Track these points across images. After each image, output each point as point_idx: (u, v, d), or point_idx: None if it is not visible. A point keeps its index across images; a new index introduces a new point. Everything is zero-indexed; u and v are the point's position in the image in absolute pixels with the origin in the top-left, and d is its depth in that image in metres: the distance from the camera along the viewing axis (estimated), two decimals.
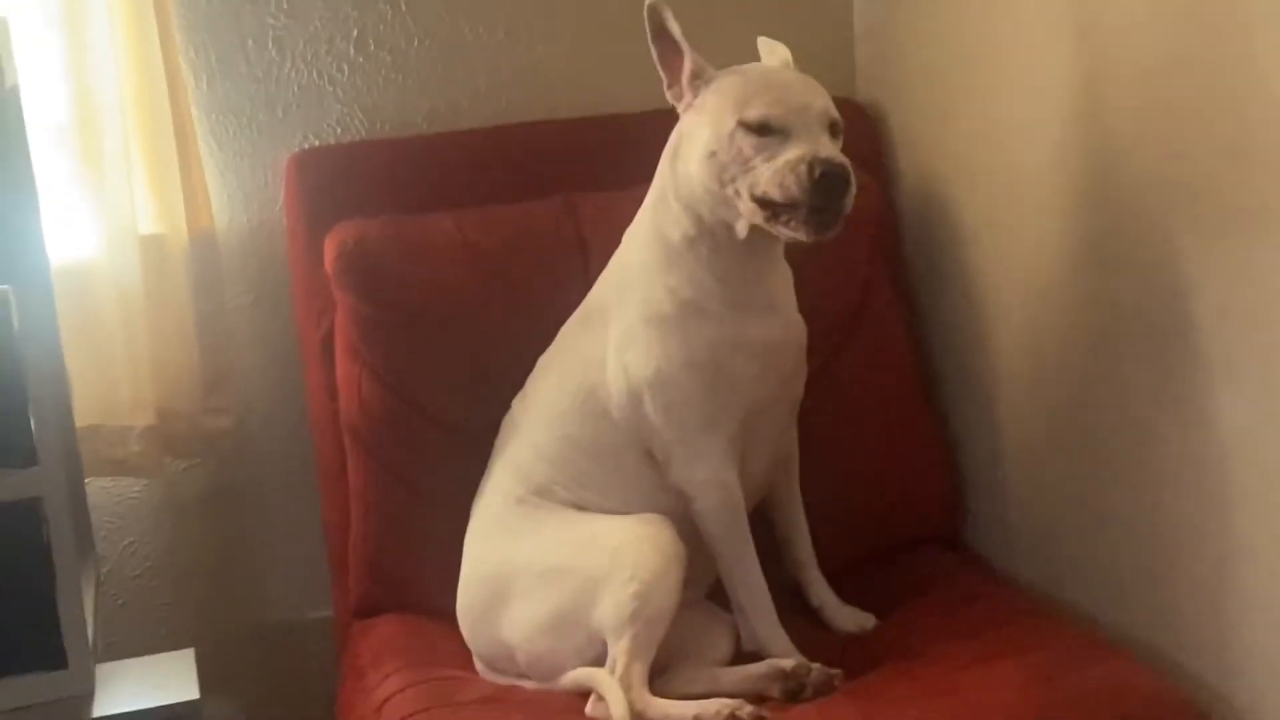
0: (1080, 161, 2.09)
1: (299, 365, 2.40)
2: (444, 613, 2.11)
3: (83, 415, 2.25)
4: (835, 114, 1.93)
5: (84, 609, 1.92)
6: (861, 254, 2.37)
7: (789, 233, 1.90)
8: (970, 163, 2.36)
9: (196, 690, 2.02)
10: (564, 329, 2.14)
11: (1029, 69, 2.19)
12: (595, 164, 2.37)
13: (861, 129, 2.54)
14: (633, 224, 2.09)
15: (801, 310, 2.10)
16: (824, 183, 1.84)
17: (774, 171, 1.86)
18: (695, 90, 1.98)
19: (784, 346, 2.05)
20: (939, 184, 2.45)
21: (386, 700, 1.95)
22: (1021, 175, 2.23)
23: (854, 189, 1.87)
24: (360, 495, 2.23)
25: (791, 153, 1.86)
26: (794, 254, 2.08)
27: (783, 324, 2.06)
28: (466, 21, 2.49)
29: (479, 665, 2.07)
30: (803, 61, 2.04)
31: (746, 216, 1.92)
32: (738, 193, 1.90)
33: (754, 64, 2.01)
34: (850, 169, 1.86)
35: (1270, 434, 1.80)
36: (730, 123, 1.90)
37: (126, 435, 2.31)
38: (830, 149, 1.88)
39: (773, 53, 2.07)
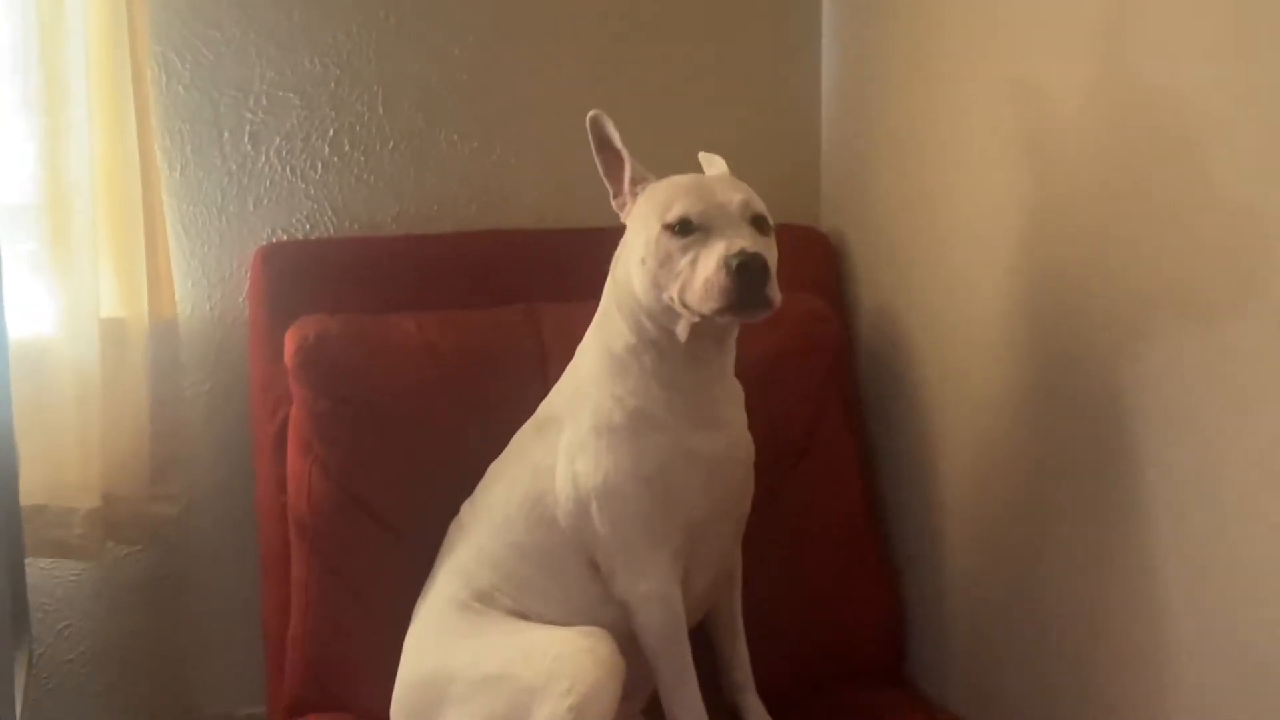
0: (1030, 303, 2.13)
1: (249, 457, 2.39)
2: (379, 715, 2.08)
3: (27, 494, 2.23)
4: (759, 208, 1.96)
5: (14, 690, 1.89)
6: (816, 381, 2.39)
7: (725, 321, 1.94)
8: (926, 296, 2.40)
9: None
10: (517, 436, 2.14)
11: (985, 209, 2.23)
12: (559, 275, 2.39)
13: (823, 257, 2.60)
14: (585, 335, 2.11)
15: (753, 432, 2.11)
16: (742, 275, 1.86)
17: (700, 284, 1.88)
18: (635, 197, 2.02)
19: (731, 461, 2.06)
20: (895, 315, 2.48)
21: None
22: (974, 311, 2.26)
23: (773, 278, 1.89)
24: (301, 591, 2.21)
25: (713, 251, 1.88)
26: (747, 377, 2.10)
27: (730, 439, 2.07)
28: (441, 128, 2.53)
29: None
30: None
31: (685, 319, 1.94)
32: (671, 299, 1.93)
33: (689, 174, 2.03)
34: (767, 259, 1.88)
35: (1214, 581, 1.82)
36: (656, 227, 1.94)
37: (70, 517, 2.29)
38: (753, 242, 1.90)
39: (711, 164, 2.12)
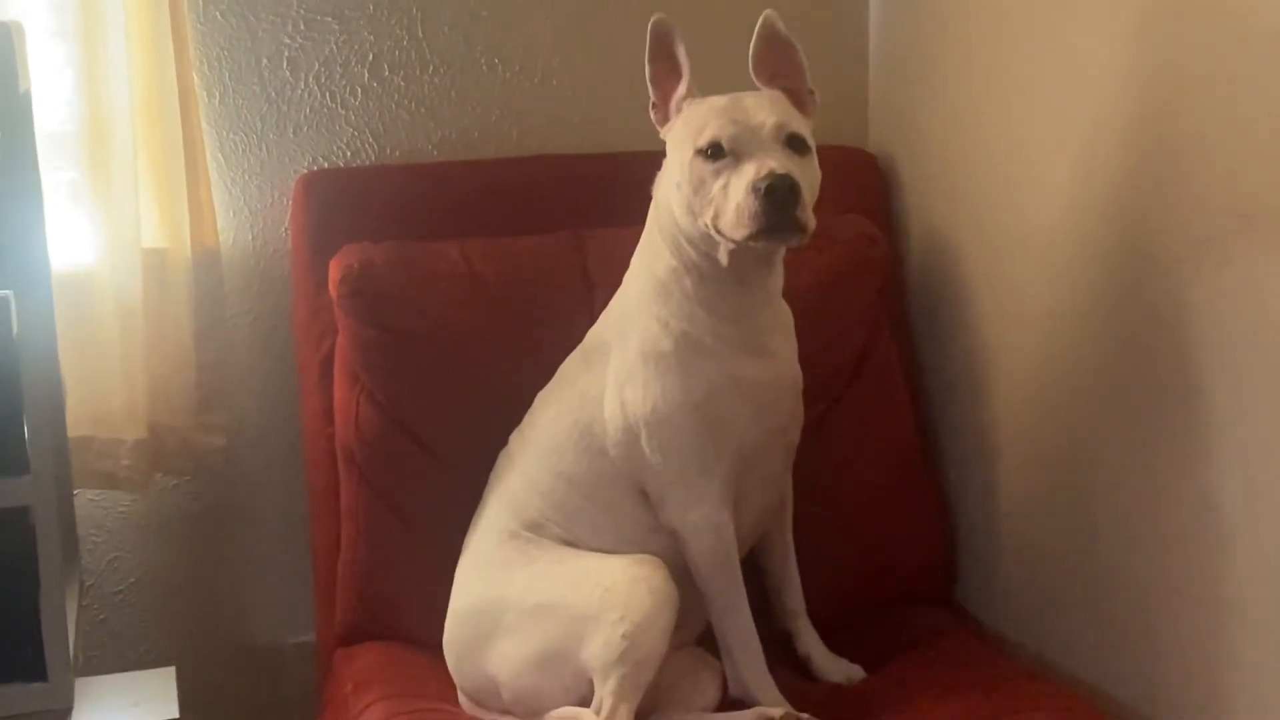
0: (1089, 219, 2.09)
1: (295, 387, 2.39)
2: (430, 643, 2.09)
3: (74, 426, 2.23)
4: (795, 128, 1.91)
5: (66, 622, 1.90)
6: (866, 304, 2.37)
7: (759, 247, 1.90)
8: (978, 216, 2.36)
9: (176, 709, 2.00)
10: (564, 365, 2.13)
11: (1039, 125, 2.19)
12: (605, 200, 2.36)
13: (871, 179, 2.57)
14: (631, 261, 2.09)
15: (803, 358, 2.09)
16: (771, 198, 1.82)
17: (732, 210, 1.85)
18: (679, 113, 1.98)
19: (779, 389, 2.04)
20: (946, 236, 2.45)
21: None
22: (1029, 231, 2.23)
23: (804, 200, 1.85)
24: (351, 520, 2.21)
25: (744, 175, 1.85)
26: (795, 301, 2.08)
27: (779, 367, 2.05)
28: (482, 52, 2.50)
29: (463, 699, 2.05)
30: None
31: (723, 245, 1.91)
32: (706, 225, 1.90)
33: (729, 93, 1.97)
34: (796, 179, 1.84)
35: (1270, 503, 1.79)
36: (689, 152, 1.91)
37: (117, 448, 2.29)
38: (785, 163, 1.86)
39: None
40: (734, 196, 1.86)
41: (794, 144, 1.91)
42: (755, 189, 1.83)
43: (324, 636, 2.29)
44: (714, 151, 1.89)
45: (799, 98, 1.98)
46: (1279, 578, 1.78)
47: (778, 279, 2.03)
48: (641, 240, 2.06)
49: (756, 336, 2.01)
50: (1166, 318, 1.93)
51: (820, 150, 1.96)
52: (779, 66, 1.98)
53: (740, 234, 1.86)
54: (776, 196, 1.83)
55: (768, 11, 1.97)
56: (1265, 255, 1.77)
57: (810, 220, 1.87)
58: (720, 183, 1.88)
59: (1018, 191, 2.25)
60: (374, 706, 1.98)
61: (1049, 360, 2.20)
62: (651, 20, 1.96)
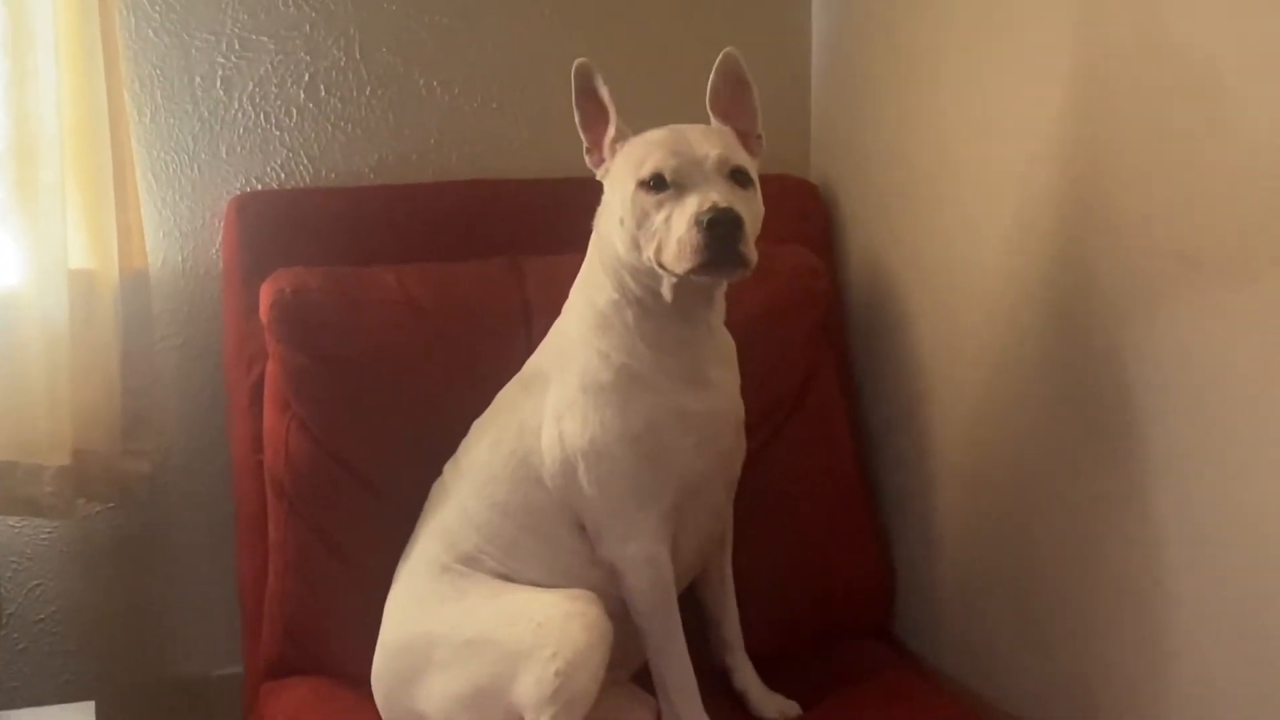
0: (1028, 255, 2.08)
1: (224, 414, 2.35)
2: (359, 679, 2.05)
3: None
4: (738, 160, 1.89)
5: None
6: (806, 336, 2.35)
7: (701, 281, 1.88)
8: (919, 248, 2.35)
9: None
10: (501, 394, 2.10)
11: (979, 158, 2.19)
12: (544, 227, 2.34)
13: (813, 209, 2.56)
14: (571, 291, 2.06)
15: (744, 388, 2.07)
16: (714, 231, 1.80)
17: (674, 243, 1.83)
18: (614, 154, 1.96)
19: (720, 421, 2.02)
20: (888, 268, 2.44)
21: None
22: (969, 264, 2.22)
23: (747, 235, 1.83)
24: (279, 551, 2.17)
25: (687, 208, 1.83)
26: (736, 332, 2.06)
27: (721, 399, 2.02)
28: (421, 74, 2.47)
29: None
30: None
31: (666, 278, 1.89)
32: (649, 259, 1.88)
33: (669, 126, 1.96)
34: (740, 212, 1.82)
35: (1210, 541, 1.78)
36: (631, 185, 1.89)
37: (40, 474, 2.23)
38: (728, 195, 1.84)
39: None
40: (676, 229, 1.84)
41: (737, 177, 1.89)
42: (698, 222, 1.81)
43: (250, 670, 2.24)
44: (656, 183, 1.87)
45: (746, 139, 1.97)
46: (1219, 621, 1.78)
47: (720, 312, 2.02)
48: (582, 271, 2.04)
49: (698, 369, 1.99)
50: (1104, 354, 1.93)
51: (763, 179, 1.95)
52: (732, 105, 1.97)
53: (683, 267, 1.84)
54: (719, 230, 1.81)
55: (730, 50, 1.96)
56: (1201, 295, 1.77)
57: (753, 254, 1.85)
58: (663, 215, 1.86)
59: (958, 224, 2.25)
60: None
61: (988, 394, 2.19)
62: (574, 66, 1.95)
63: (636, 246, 1.89)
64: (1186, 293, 1.79)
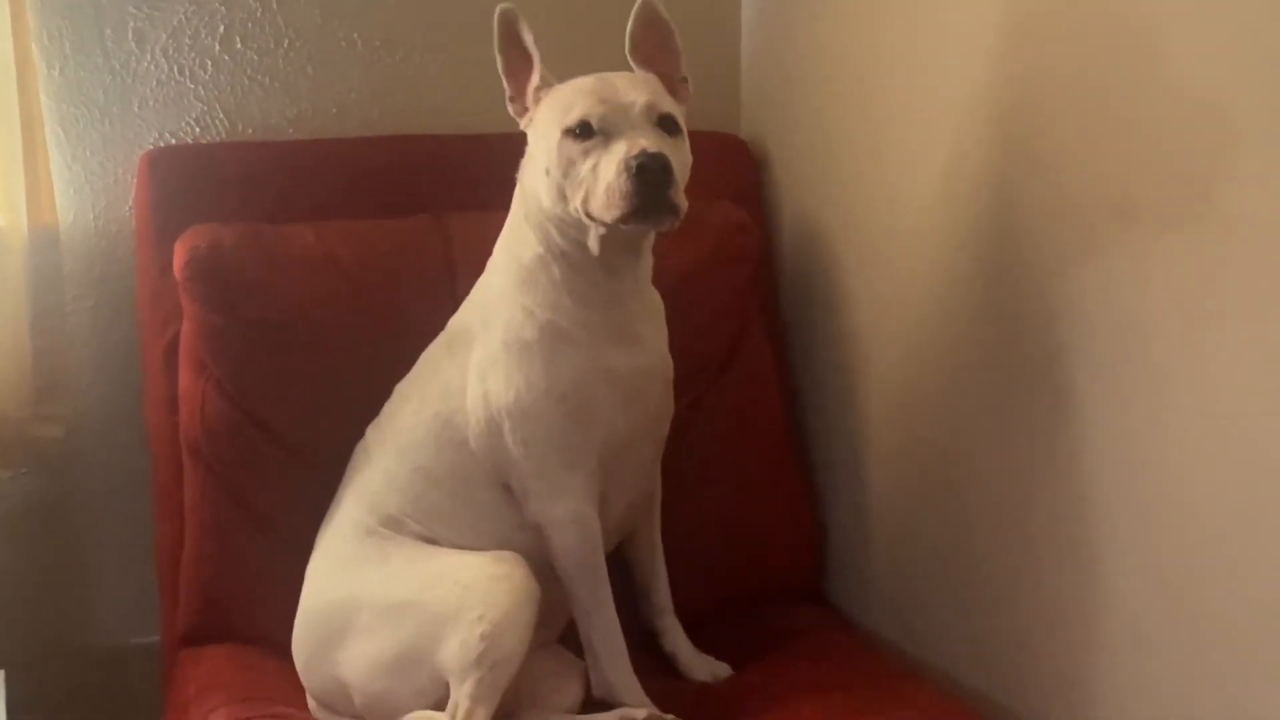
0: (959, 210, 2.06)
1: (138, 375, 2.29)
2: (280, 646, 2.01)
3: None
4: (666, 107, 1.86)
5: None
6: (736, 293, 2.33)
7: (631, 230, 1.85)
8: (850, 205, 2.33)
9: (3, 714, 1.90)
10: (425, 354, 2.06)
11: (911, 113, 2.16)
12: (469, 183, 2.29)
13: (743, 165, 2.54)
14: (495, 247, 2.02)
15: (673, 347, 2.04)
16: (643, 177, 1.77)
17: (602, 191, 1.80)
18: (538, 103, 1.92)
19: (648, 379, 1.99)
20: (818, 225, 2.42)
21: None
22: (901, 221, 2.20)
23: (677, 181, 1.81)
24: (196, 516, 2.12)
25: (614, 154, 1.80)
26: (665, 289, 2.03)
27: (648, 356, 2.00)
28: (340, 27, 2.42)
29: (312, 703, 1.97)
30: None
31: (594, 231, 1.86)
32: (576, 209, 1.84)
33: (594, 74, 1.92)
34: (670, 160, 1.79)
35: (1140, 497, 1.78)
36: (556, 134, 1.85)
37: None
38: (656, 142, 1.81)
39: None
40: (604, 177, 1.80)
41: (665, 124, 1.86)
42: (627, 168, 1.78)
43: (168, 637, 2.20)
44: (583, 131, 1.83)
45: (672, 84, 1.94)
46: (1148, 576, 1.77)
47: (647, 266, 1.99)
48: (506, 226, 2.00)
49: (625, 325, 1.96)
50: (1037, 312, 1.91)
51: (691, 136, 1.92)
52: (654, 51, 1.94)
53: (611, 215, 1.80)
54: (648, 176, 1.78)
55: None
56: (1133, 245, 1.75)
57: (683, 202, 1.82)
58: (590, 163, 1.82)
59: (889, 181, 2.23)
60: (217, 712, 1.89)
61: (920, 352, 2.17)
62: (497, 11, 1.91)
63: (563, 197, 1.85)
64: (1118, 242, 1.77)
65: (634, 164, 1.77)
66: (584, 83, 1.88)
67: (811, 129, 2.44)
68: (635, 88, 1.86)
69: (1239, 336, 1.61)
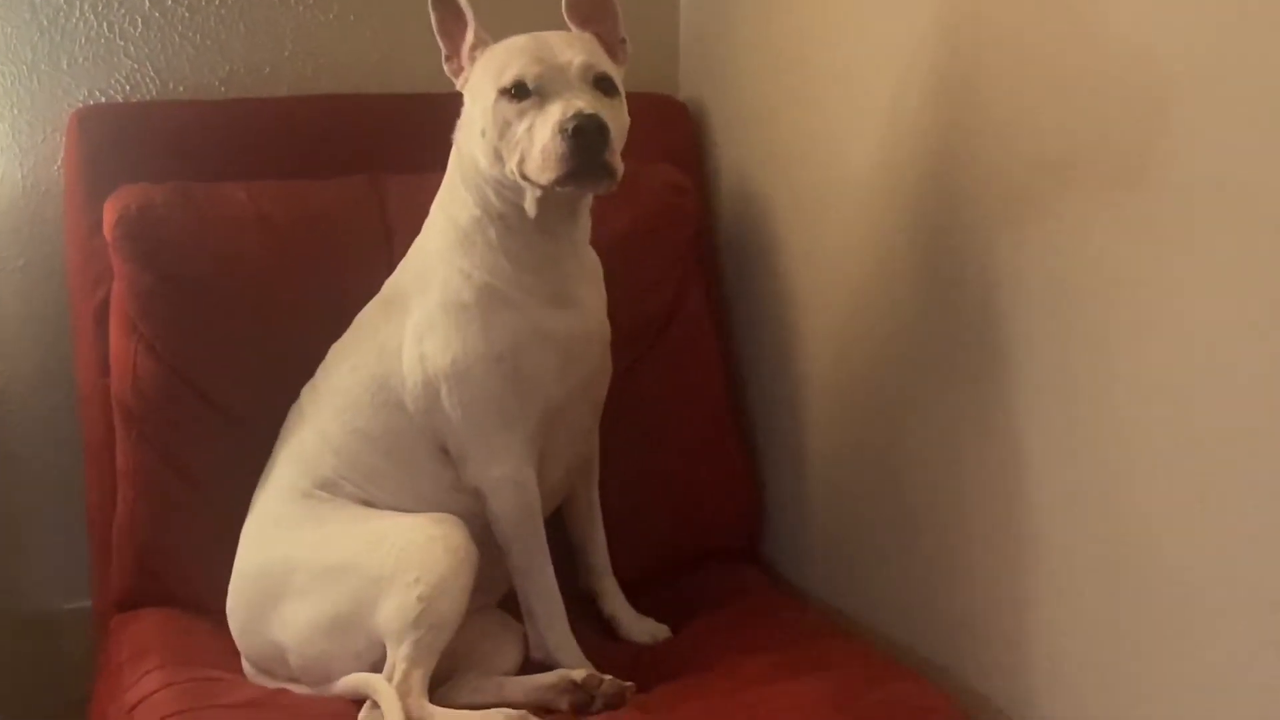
0: (897, 174, 2.06)
1: (69, 337, 2.25)
2: (214, 609, 1.99)
3: None
4: (602, 68, 1.85)
5: None
6: (674, 256, 2.32)
7: (567, 192, 1.84)
8: (789, 167, 2.33)
9: None
10: (361, 315, 2.04)
11: (848, 74, 2.16)
12: (404, 143, 2.27)
13: (681, 128, 2.53)
14: (431, 208, 2.00)
15: (611, 310, 2.04)
16: (579, 139, 1.76)
17: (538, 153, 1.78)
18: (473, 62, 1.90)
19: (586, 341, 1.98)
20: (758, 187, 2.41)
21: (142, 700, 1.82)
22: (839, 183, 2.20)
23: (613, 143, 1.79)
24: (128, 479, 2.09)
25: (550, 116, 1.78)
26: (603, 252, 2.02)
27: (585, 318, 1.99)
28: None
29: (247, 667, 1.96)
30: None
31: (530, 192, 1.84)
32: (512, 171, 1.83)
33: (530, 33, 1.89)
34: (605, 120, 1.78)
35: (1075, 461, 1.79)
36: (492, 94, 1.83)
37: None
38: (593, 103, 1.79)
39: None
40: (539, 138, 1.79)
41: (602, 85, 1.84)
42: (562, 129, 1.76)
43: (100, 602, 2.17)
44: (518, 91, 1.81)
45: (610, 45, 1.92)
46: (1081, 535, 1.78)
47: (585, 228, 1.98)
48: (442, 187, 1.98)
49: (562, 287, 1.95)
50: (976, 274, 1.91)
51: (630, 98, 1.90)
52: (591, 11, 1.92)
53: (547, 178, 1.79)
54: (584, 138, 1.76)
55: None
56: (1072, 206, 1.75)
57: (619, 165, 1.81)
58: (525, 124, 1.81)
59: (827, 143, 2.22)
60: (149, 675, 1.86)
61: (858, 314, 2.18)
62: None
63: (499, 158, 1.84)
64: (1057, 205, 1.77)
65: (570, 125, 1.76)
66: (519, 42, 1.86)
67: (750, 91, 2.43)
68: (572, 47, 1.84)
69: (1177, 301, 1.61)
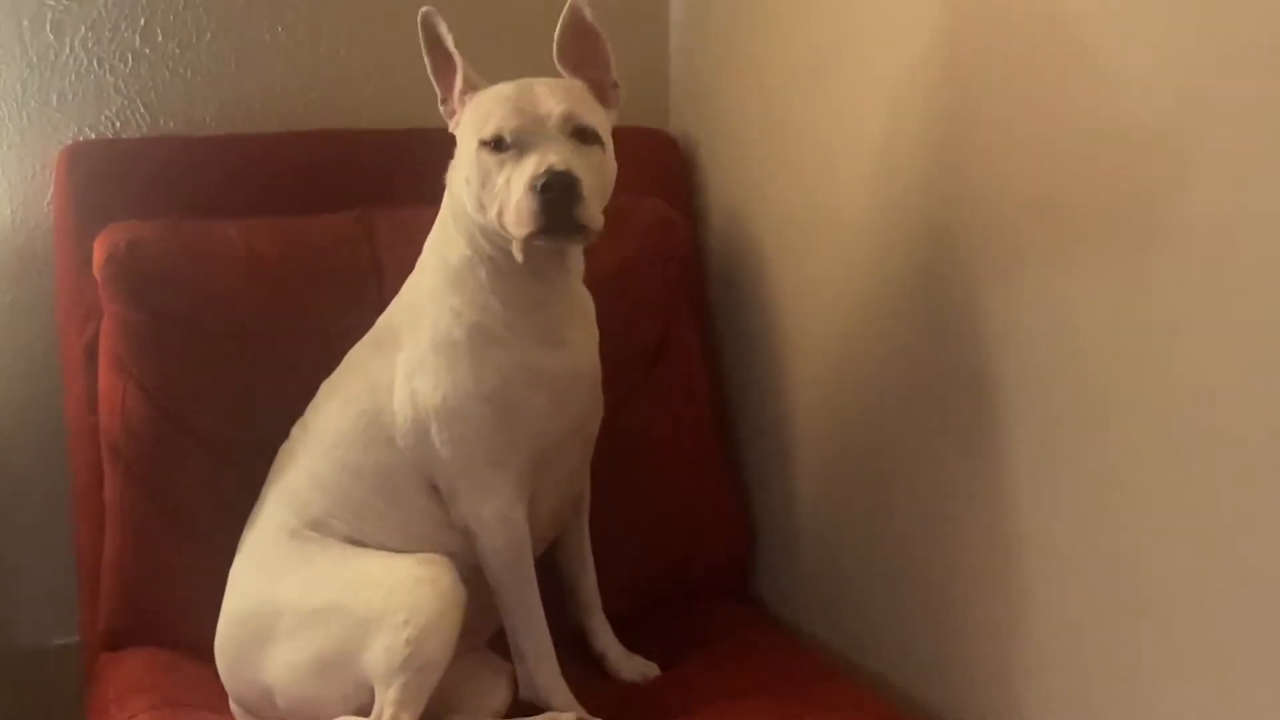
0: (887, 208, 2.07)
1: (57, 374, 2.25)
2: (202, 649, 1.98)
3: None
4: (585, 118, 1.84)
5: None
6: (665, 289, 2.33)
7: (543, 246, 1.84)
8: (779, 202, 2.33)
9: None
10: (352, 352, 2.03)
11: (839, 111, 2.16)
12: (395, 179, 2.27)
13: (671, 162, 2.53)
14: (424, 247, 2.00)
15: (602, 343, 2.03)
16: (547, 194, 1.76)
17: (513, 207, 1.79)
18: (464, 105, 1.90)
19: (576, 380, 1.98)
20: (747, 222, 2.41)
21: None
22: (829, 218, 2.20)
23: (584, 199, 1.78)
24: (116, 517, 2.09)
25: (525, 170, 1.78)
26: (595, 287, 2.02)
27: (576, 358, 1.98)
28: (264, 18, 2.38)
29: (234, 708, 1.94)
30: None
31: (514, 241, 1.83)
32: (494, 220, 1.83)
33: (519, 80, 1.89)
34: (577, 175, 1.77)
35: (1067, 498, 1.79)
36: (474, 144, 1.84)
37: None
38: (567, 157, 1.79)
39: None
40: (515, 193, 1.79)
41: (582, 135, 1.83)
42: (533, 186, 1.76)
43: (88, 639, 2.16)
44: (497, 144, 1.81)
45: (601, 89, 1.91)
46: (1075, 574, 1.78)
47: (577, 271, 1.97)
48: (435, 226, 1.98)
49: (553, 327, 1.95)
50: (962, 309, 1.92)
51: (620, 132, 1.90)
52: (583, 57, 1.91)
53: (521, 232, 1.79)
54: (553, 195, 1.76)
55: (574, 1, 1.89)
56: (1061, 247, 1.76)
57: (593, 219, 1.80)
58: (504, 176, 1.81)
59: (818, 178, 2.23)
60: (139, 716, 1.86)
61: (848, 350, 2.18)
62: (419, 16, 1.88)
63: (482, 206, 1.84)
64: (1047, 245, 1.77)
65: (539, 183, 1.76)
66: (503, 91, 1.86)
67: (740, 126, 2.43)
68: (555, 96, 1.84)
69: (1171, 344, 1.61)
